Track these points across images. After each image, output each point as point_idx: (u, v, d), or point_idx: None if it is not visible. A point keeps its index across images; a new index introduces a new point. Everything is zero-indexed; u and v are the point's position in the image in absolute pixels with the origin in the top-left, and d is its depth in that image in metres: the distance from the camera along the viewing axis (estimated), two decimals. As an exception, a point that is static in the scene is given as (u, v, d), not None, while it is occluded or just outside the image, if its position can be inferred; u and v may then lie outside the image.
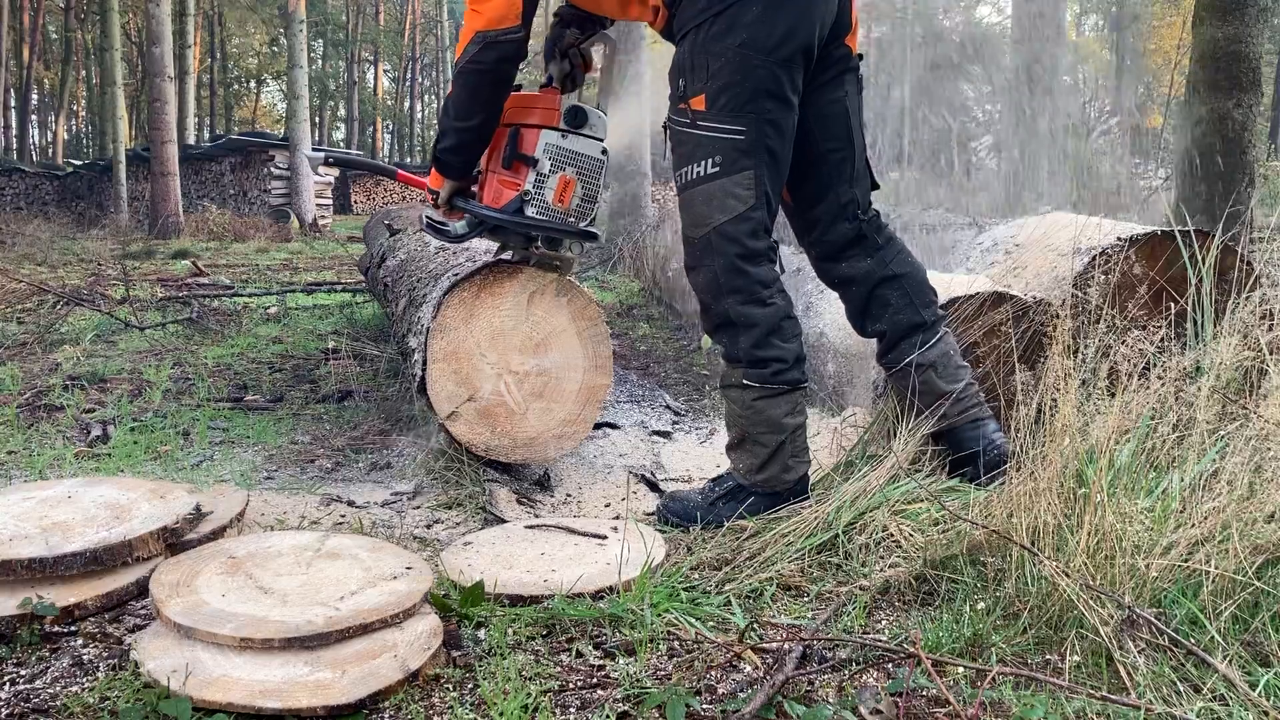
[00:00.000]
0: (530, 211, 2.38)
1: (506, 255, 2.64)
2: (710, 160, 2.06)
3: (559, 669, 1.48)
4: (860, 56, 2.26)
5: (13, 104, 29.70)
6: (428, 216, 2.53)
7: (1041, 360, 2.44)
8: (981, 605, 1.59)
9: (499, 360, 2.58)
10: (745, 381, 2.12)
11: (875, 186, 2.36)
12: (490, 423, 2.58)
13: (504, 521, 2.26)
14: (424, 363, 2.52)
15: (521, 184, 2.38)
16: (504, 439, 2.59)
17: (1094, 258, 2.64)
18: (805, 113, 2.18)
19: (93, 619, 1.61)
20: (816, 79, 2.18)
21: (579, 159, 2.40)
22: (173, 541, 1.80)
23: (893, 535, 1.91)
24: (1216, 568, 1.48)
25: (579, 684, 1.43)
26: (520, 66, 2.29)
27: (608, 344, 2.68)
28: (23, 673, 1.44)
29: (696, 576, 1.84)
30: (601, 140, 2.43)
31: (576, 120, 2.39)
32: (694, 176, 2.09)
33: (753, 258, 2.10)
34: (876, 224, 2.34)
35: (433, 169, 2.45)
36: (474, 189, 2.50)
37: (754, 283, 2.10)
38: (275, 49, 36.69)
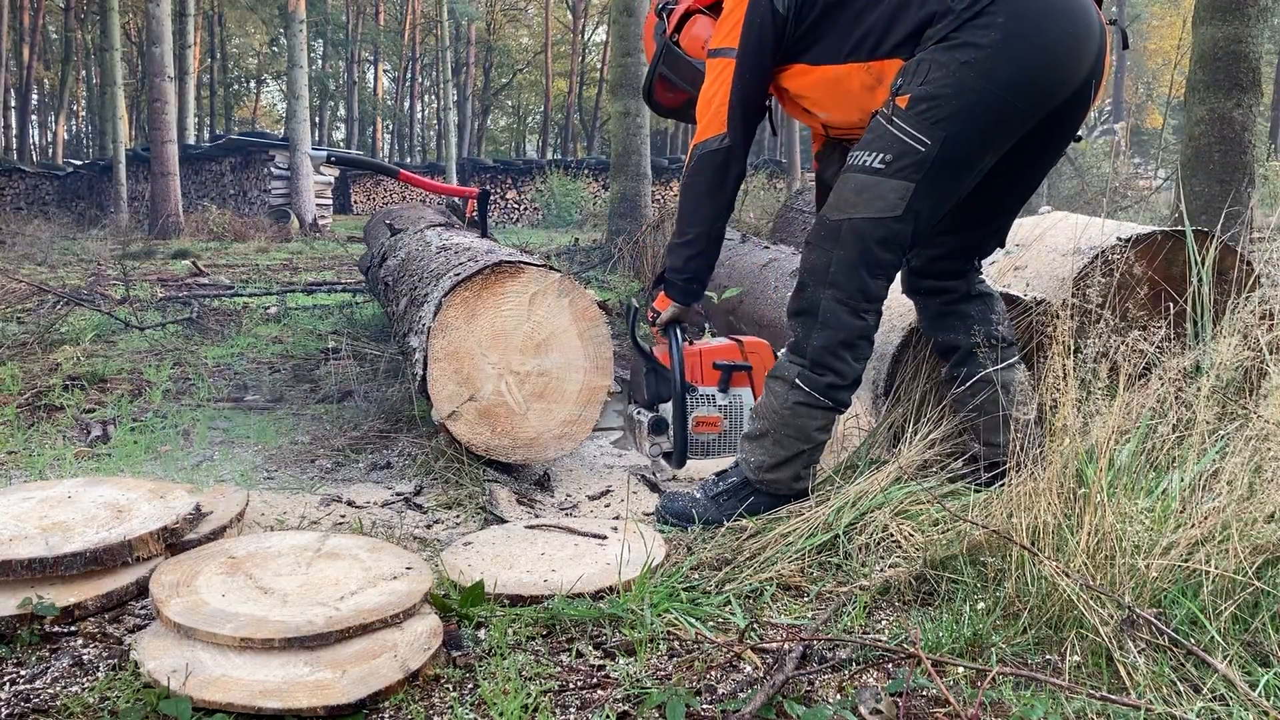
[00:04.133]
0: (688, 416, 2.48)
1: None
2: (882, 155, 1.99)
3: (559, 669, 1.48)
4: (1079, 138, 2.18)
5: (13, 104, 29.69)
6: (638, 322, 2.58)
7: (1041, 360, 2.44)
8: (981, 605, 1.59)
9: (500, 360, 2.58)
10: (797, 382, 2.09)
11: (1000, 246, 2.34)
12: (491, 423, 2.58)
13: (504, 521, 2.26)
14: (425, 362, 2.52)
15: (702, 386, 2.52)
16: (504, 439, 2.59)
17: (1094, 258, 2.64)
18: (1012, 161, 2.10)
19: (93, 619, 1.61)
20: (1044, 141, 2.10)
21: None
22: (173, 541, 1.80)
23: (893, 535, 1.91)
24: (1216, 568, 1.48)
25: (579, 684, 1.43)
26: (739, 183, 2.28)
27: (609, 345, 2.68)
28: (23, 673, 1.44)
29: (696, 576, 1.84)
30: None
31: None
32: (859, 163, 2.03)
33: (872, 266, 2.03)
34: (977, 271, 2.35)
35: (661, 290, 2.47)
36: (689, 339, 2.57)
37: (859, 290, 2.04)
38: (275, 49, 36.67)
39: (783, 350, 2.19)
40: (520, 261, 2.64)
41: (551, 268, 2.67)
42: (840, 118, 2.22)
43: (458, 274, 2.64)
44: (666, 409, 2.48)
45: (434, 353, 2.52)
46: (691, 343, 2.55)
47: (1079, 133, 2.17)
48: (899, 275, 2.41)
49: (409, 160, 37.48)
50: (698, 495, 2.20)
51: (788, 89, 2.26)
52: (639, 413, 2.56)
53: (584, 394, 2.65)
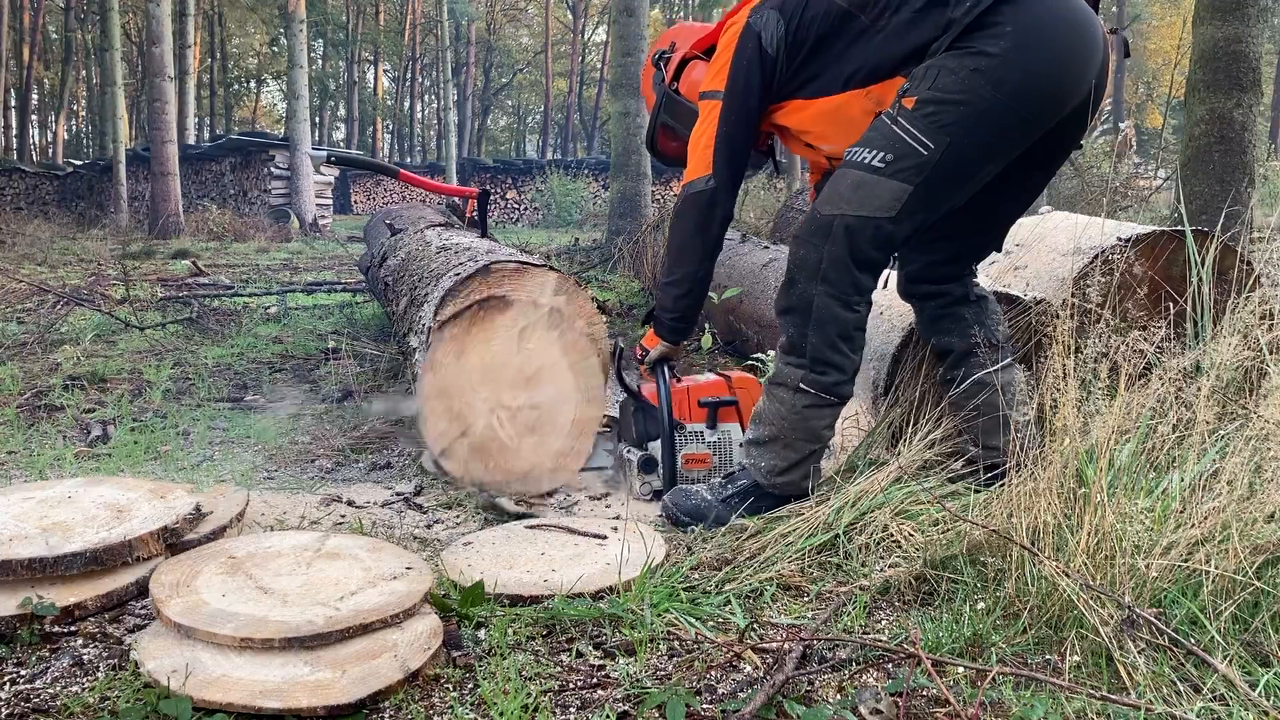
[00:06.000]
0: (677, 454, 2.48)
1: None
2: (882, 154, 1.97)
3: (559, 669, 1.48)
4: (1079, 147, 2.18)
5: (13, 104, 29.69)
6: (624, 362, 2.57)
7: (1041, 360, 2.44)
8: (981, 605, 1.59)
9: (491, 396, 2.54)
10: (802, 385, 2.08)
11: (997, 251, 2.34)
12: (484, 458, 2.52)
13: (504, 521, 2.26)
14: (421, 395, 2.49)
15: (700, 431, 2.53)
16: (498, 474, 2.53)
17: (1094, 258, 2.64)
18: (1013, 170, 2.10)
19: (93, 619, 1.61)
20: (1045, 152, 2.10)
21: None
22: (173, 541, 1.80)
23: (893, 535, 1.91)
24: (1216, 568, 1.48)
25: (579, 684, 1.43)
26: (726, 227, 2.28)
27: (599, 375, 2.64)
28: (23, 673, 1.44)
29: (696, 576, 1.84)
30: None
31: None
32: (858, 160, 2.01)
33: (862, 263, 2.03)
34: (973, 275, 2.36)
35: (650, 328, 2.47)
36: (678, 376, 2.57)
37: (850, 285, 2.04)
38: (275, 49, 36.66)
39: (774, 352, 2.18)
40: (521, 261, 2.63)
41: (551, 268, 2.66)
42: (845, 146, 2.21)
43: (441, 317, 2.55)
44: (656, 447, 2.48)
45: (425, 391, 2.47)
46: (679, 380, 2.55)
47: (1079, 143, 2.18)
48: (895, 279, 2.41)
49: (409, 160, 37.46)
50: (707, 496, 2.20)
51: (788, 126, 2.26)
52: (629, 451, 2.56)
53: (576, 425, 2.61)
